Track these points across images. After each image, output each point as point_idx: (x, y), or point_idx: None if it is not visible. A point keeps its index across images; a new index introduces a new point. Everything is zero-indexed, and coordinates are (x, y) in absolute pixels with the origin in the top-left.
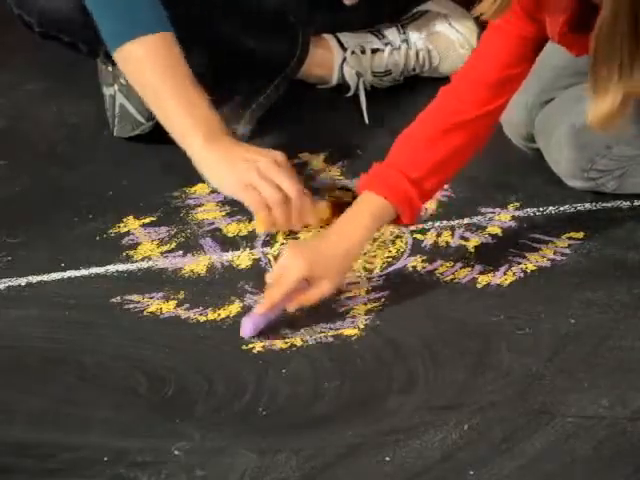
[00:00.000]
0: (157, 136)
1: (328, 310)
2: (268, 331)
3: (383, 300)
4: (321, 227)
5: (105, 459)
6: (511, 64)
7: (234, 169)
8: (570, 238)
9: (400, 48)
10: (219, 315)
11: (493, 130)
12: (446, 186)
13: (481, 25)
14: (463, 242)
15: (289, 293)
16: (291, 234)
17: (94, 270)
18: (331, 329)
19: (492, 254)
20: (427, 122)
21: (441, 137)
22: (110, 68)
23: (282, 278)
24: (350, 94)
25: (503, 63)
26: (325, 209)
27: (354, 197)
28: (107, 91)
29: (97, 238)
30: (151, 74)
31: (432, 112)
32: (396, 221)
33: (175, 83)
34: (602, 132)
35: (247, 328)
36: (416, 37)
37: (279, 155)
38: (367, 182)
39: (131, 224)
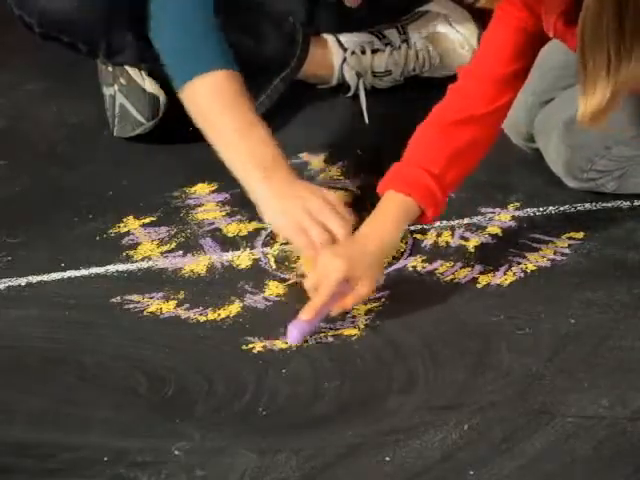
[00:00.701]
0: (157, 136)
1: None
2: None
3: (383, 300)
4: None
5: (105, 459)
6: (514, 59)
7: (286, 210)
8: (570, 238)
9: (400, 48)
10: (219, 315)
11: (501, 123)
12: None
13: (481, 26)
14: (463, 242)
15: (331, 296)
16: None
17: (94, 270)
18: (331, 329)
19: (492, 254)
20: (438, 118)
21: (454, 130)
22: (110, 68)
23: (323, 282)
24: (350, 94)
25: (507, 58)
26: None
27: (355, 197)
28: (107, 91)
29: (97, 238)
30: (214, 113)
31: (441, 109)
32: (421, 217)
33: (237, 121)
34: (593, 128)
35: (293, 335)
36: (416, 37)
37: (331, 195)
38: (388, 182)
39: (131, 224)
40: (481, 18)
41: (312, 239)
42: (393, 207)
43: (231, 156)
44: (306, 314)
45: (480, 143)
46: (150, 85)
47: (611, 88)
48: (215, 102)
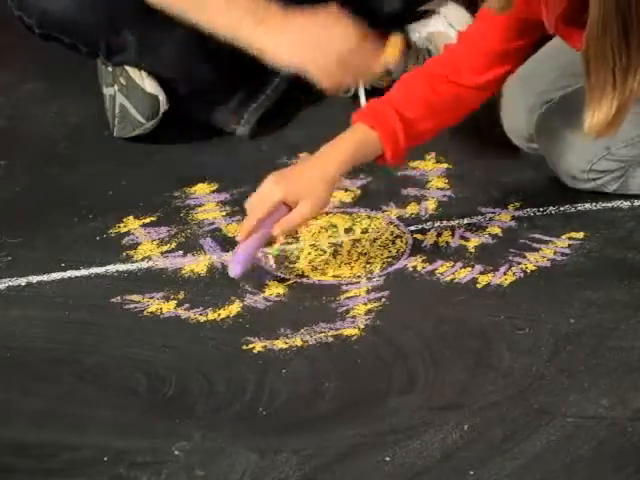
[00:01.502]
0: (157, 136)
1: (328, 310)
2: (265, 331)
3: (383, 300)
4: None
5: (105, 459)
6: (510, 38)
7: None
8: (570, 238)
9: None
10: (219, 315)
11: (485, 100)
12: (447, 186)
13: None
14: (463, 242)
15: (267, 218)
16: (290, 235)
17: (94, 270)
18: (331, 329)
19: (492, 254)
20: (427, 70)
21: (439, 85)
22: (110, 68)
23: (258, 204)
24: (350, 94)
25: (503, 36)
26: (399, 40)
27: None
28: (107, 91)
29: (97, 238)
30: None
31: (433, 63)
32: (379, 159)
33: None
34: (600, 139)
35: (234, 268)
36: (416, 37)
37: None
38: (360, 114)
39: (131, 224)
40: None
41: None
42: (351, 137)
43: (217, 19)
44: (240, 237)
45: (462, 106)
46: (150, 85)
47: (617, 102)
48: None
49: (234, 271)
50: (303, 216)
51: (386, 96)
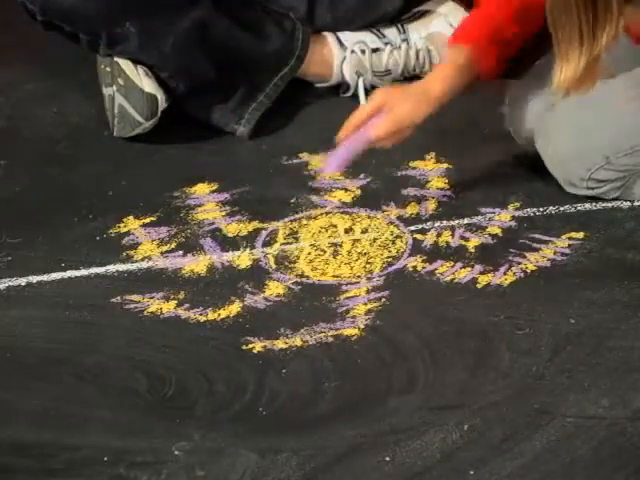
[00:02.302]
0: (157, 136)
1: (328, 310)
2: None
3: (383, 300)
4: None
5: (105, 459)
6: None
7: None
8: (570, 238)
9: (400, 48)
10: (219, 315)
11: None
12: (447, 186)
13: None
14: (463, 242)
15: (367, 119)
16: (291, 235)
17: (94, 270)
18: (331, 329)
19: (492, 254)
20: None
21: None
22: (108, 68)
23: (361, 109)
24: (350, 94)
25: None
26: None
27: None
28: (106, 91)
29: (97, 238)
30: None
31: None
32: (480, 75)
33: None
34: (570, 96)
35: (331, 163)
36: (416, 37)
37: None
38: (454, 35)
39: (131, 224)
40: None
41: None
42: (451, 57)
43: None
44: (341, 135)
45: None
46: (148, 85)
47: (585, 58)
48: None
49: (330, 166)
50: (398, 117)
51: (475, 12)
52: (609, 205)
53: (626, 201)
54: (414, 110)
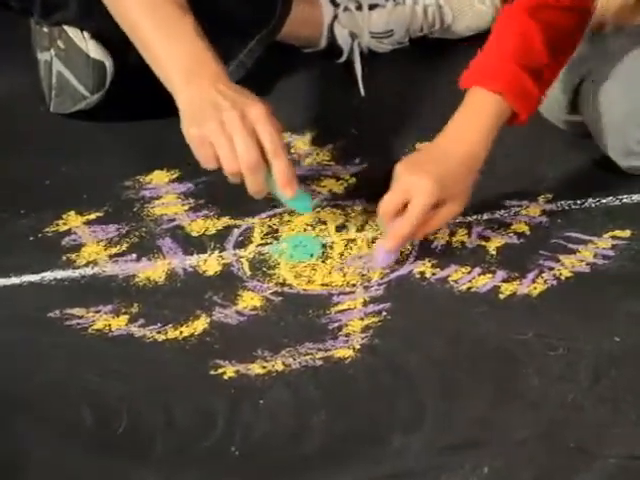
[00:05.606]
0: (104, 112)
1: (316, 327)
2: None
3: (383, 314)
4: None
5: None
6: None
7: (198, 120)
8: (614, 237)
9: (405, 3)
10: (181, 333)
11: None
12: None
13: None
14: (482, 242)
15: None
16: (270, 234)
17: (27, 278)
18: (319, 350)
19: (518, 257)
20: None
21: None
22: (45, 29)
23: (408, 206)
24: (342, 59)
25: None
26: None
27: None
28: (42, 57)
29: (31, 238)
30: (135, 11)
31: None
32: (511, 120)
33: (158, 18)
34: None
35: (385, 257)
36: None
37: (258, 106)
38: (476, 77)
39: (73, 221)
40: None
41: (215, 153)
42: (482, 107)
43: (152, 59)
44: (389, 244)
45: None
46: (94, 49)
47: None
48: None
49: (385, 260)
50: (453, 216)
51: (491, 49)
52: None
53: None
54: (467, 199)
